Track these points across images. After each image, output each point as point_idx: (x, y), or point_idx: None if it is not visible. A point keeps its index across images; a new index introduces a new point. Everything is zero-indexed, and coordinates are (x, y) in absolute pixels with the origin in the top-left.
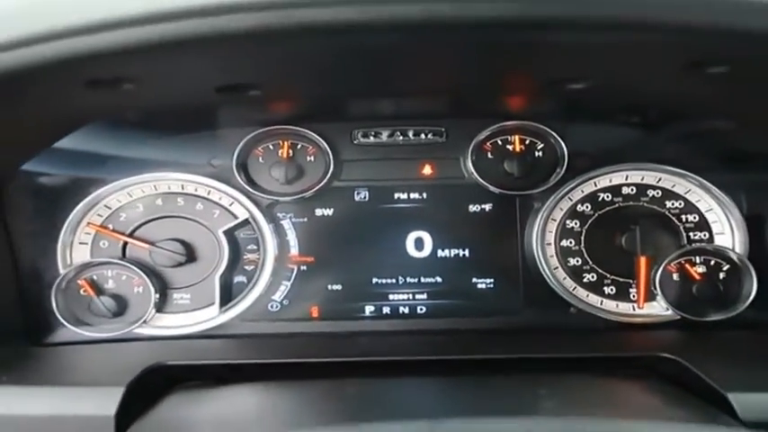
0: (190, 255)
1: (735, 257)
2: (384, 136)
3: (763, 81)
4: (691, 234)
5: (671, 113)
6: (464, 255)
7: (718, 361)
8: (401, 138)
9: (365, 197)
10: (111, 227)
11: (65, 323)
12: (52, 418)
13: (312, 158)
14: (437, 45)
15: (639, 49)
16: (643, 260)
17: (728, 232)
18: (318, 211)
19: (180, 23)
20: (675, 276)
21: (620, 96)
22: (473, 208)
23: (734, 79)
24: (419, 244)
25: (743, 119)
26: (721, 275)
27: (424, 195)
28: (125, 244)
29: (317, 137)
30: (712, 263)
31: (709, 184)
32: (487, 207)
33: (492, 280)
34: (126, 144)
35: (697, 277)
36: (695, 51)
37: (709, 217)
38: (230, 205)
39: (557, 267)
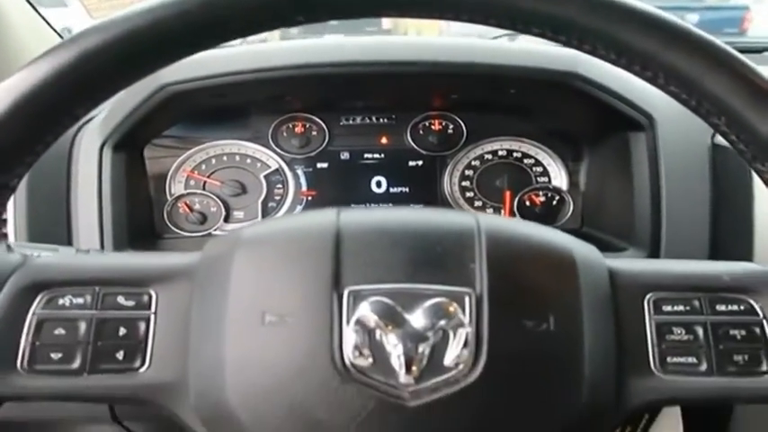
0: (243, 189)
1: (562, 191)
2: (359, 120)
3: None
4: (538, 178)
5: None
6: (405, 191)
7: None
8: (368, 121)
9: (347, 156)
10: (196, 173)
11: (172, 227)
12: None
13: (315, 133)
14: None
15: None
16: (508, 194)
17: (560, 178)
18: (319, 165)
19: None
20: (527, 203)
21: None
22: (411, 163)
23: None
24: (378, 185)
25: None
26: (554, 203)
27: (383, 155)
28: (204, 183)
29: (320, 120)
30: (549, 195)
31: (547, 149)
32: (419, 162)
33: (421, 205)
34: (206, 124)
35: (539, 203)
36: None
37: (549, 169)
38: (267, 161)
39: (459, 198)
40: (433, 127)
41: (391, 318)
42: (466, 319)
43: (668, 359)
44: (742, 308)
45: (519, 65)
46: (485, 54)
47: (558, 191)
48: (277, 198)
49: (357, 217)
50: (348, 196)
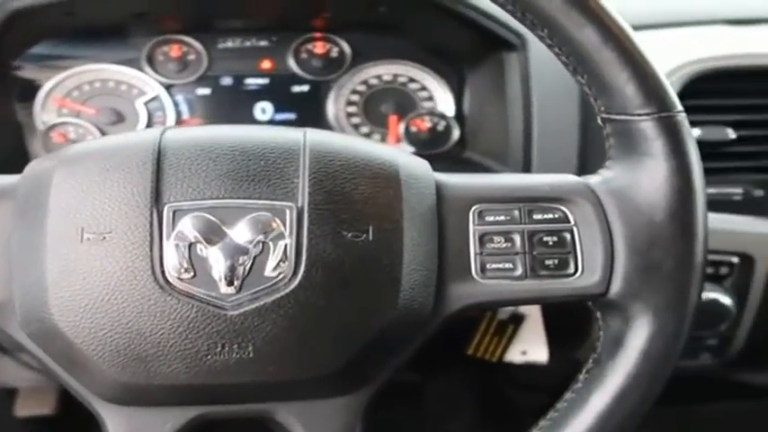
0: (120, 117)
1: (447, 116)
2: (238, 42)
3: None
4: (423, 103)
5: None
6: (291, 117)
7: None
8: (248, 44)
9: (230, 82)
10: (68, 100)
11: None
12: None
13: (193, 57)
14: None
15: None
16: (393, 118)
17: (446, 103)
18: (199, 91)
19: None
20: (413, 128)
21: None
22: (296, 88)
23: None
24: (263, 111)
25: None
26: (440, 128)
27: (267, 81)
28: (79, 111)
29: (197, 42)
30: (435, 120)
31: (433, 73)
32: (305, 88)
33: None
34: (73, 46)
35: (425, 129)
36: None
37: (435, 94)
38: (143, 87)
39: (345, 125)
40: (315, 50)
41: (212, 232)
42: (286, 232)
43: (488, 266)
44: (556, 216)
45: None
46: None
47: (443, 116)
48: (157, 126)
49: (181, 134)
50: (231, 123)
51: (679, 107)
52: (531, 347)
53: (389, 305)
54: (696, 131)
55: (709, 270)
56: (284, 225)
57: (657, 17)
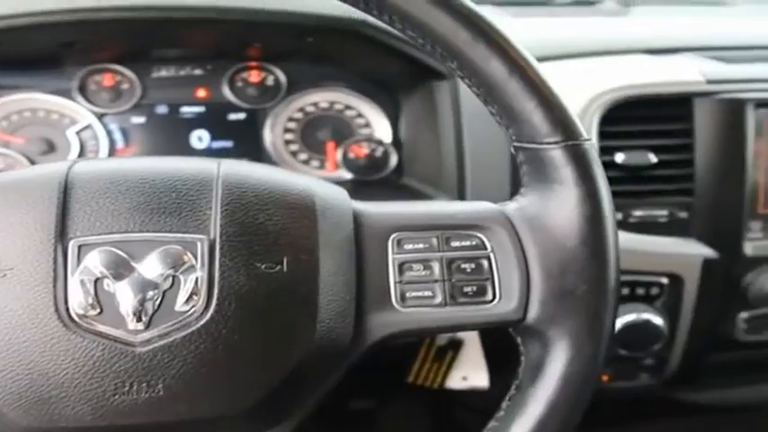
0: (51, 147)
1: (385, 143)
2: (173, 71)
3: None
4: (361, 129)
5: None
6: (228, 145)
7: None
8: (183, 72)
9: (165, 110)
10: None
11: None
12: None
13: (127, 86)
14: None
15: None
16: (331, 145)
17: (383, 129)
18: (134, 120)
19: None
20: (351, 155)
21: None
22: (232, 116)
23: None
24: (200, 139)
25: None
26: (378, 155)
27: (203, 109)
28: (7, 141)
29: (130, 72)
30: (373, 146)
31: (369, 100)
32: (241, 116)
33: (247, 161)
34: (2, 76)
35: (362, 155)
36: None
37: (372, 120)
38: (75, 116)
39: (283, 152)
40: (251, 79)
41: (120, 267)
42: (198, 265)
43: (407, 294)
44: (473, 243)
45: (307, 12)
46: (273, 1)
47: (381, 142)
48: (91, 156)
49: (90, 167)
50: (167, 152)
51: (585, 135)
52: (471, 373)
53: (306, 337)
54: (620, 156)
55: (641, 291)
56: (195, 258)
57: (581, 47)
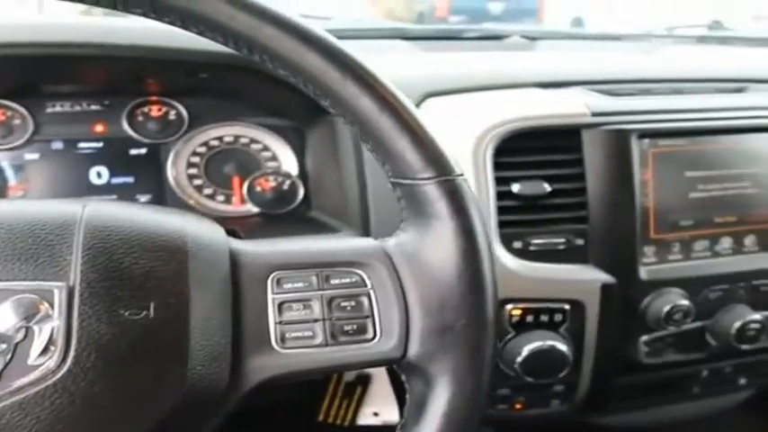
0: None
1: (292, 176)
2: (68, 107)
3: None
4: (267, 163)
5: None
6: (130, 181)
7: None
8: (78, 108)
9: (60, 146)
10: None
11: None
12: None
13: (19, 121)
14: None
15: None
16: (236, 179)
17: (289, 162)
18: (27, 156)
19: None
20: (258, 188)
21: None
22: (133, 152)
23: None
24: (99, 175)
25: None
26: (285, 188)
27: (101, 144)
28: None
29: (20, 107)
30: (279, 179)
31: (273, 133)
32: (142, 151)
33: (150, 196)
34: None
35: (269, 188)
36: None
37: (278, 154)
38: None
39: (187, 186)
40: (151, 113)
41: None
42: (54, 314)
43: (287, 335)
44: (353, 280)
45: (195, 49)
46: (161, 37)
47: (288, 175)
48: None
49: None
50: (64, 189)
51: (458, 171)
52: (381, 408)
53: (176, 385)
54: (516, 186)
55: (545, 318)
56: (52, 306)
57: (480, 80)
